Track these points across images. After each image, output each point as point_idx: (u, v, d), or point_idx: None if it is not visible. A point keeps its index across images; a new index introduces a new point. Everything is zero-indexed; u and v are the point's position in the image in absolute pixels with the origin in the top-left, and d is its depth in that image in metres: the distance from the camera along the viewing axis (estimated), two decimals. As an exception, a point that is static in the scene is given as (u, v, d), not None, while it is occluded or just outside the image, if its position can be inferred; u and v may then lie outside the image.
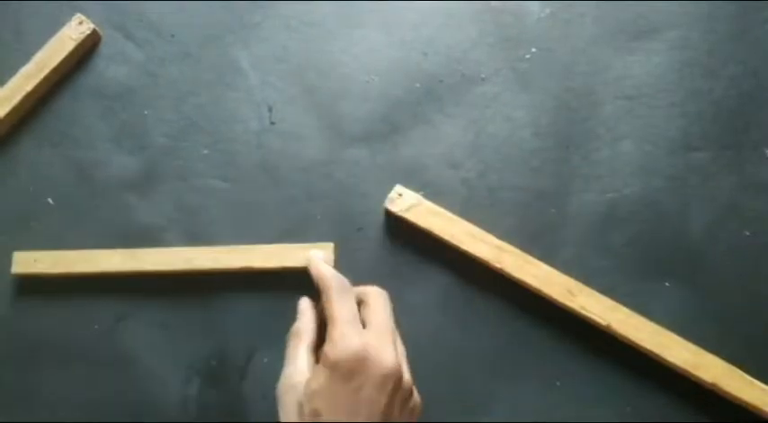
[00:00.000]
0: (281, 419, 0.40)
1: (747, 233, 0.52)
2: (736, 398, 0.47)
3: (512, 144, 0.54)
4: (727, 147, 0.54)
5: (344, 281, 0.43)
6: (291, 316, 0.50)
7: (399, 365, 0.39)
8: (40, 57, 0.54)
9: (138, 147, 0.54)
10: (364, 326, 0.41)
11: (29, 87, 0.53)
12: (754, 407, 0.47)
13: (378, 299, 0.43)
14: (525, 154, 0.54)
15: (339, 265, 0.51)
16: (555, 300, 0.49)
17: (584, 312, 0.48)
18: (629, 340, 0.48)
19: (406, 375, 0.40)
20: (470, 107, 0.54)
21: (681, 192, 0.53)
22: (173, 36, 0.56)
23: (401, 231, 0.51)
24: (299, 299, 0.45)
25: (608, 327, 0.48)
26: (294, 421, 0.39)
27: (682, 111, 0.54)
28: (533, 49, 0.56)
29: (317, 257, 0.47)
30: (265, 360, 0.50)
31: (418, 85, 0.55)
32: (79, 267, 0.50)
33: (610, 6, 0.56)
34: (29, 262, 0.50)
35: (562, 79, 0.55)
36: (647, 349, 0.48)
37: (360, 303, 0.43)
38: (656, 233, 0.52)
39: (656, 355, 0.48)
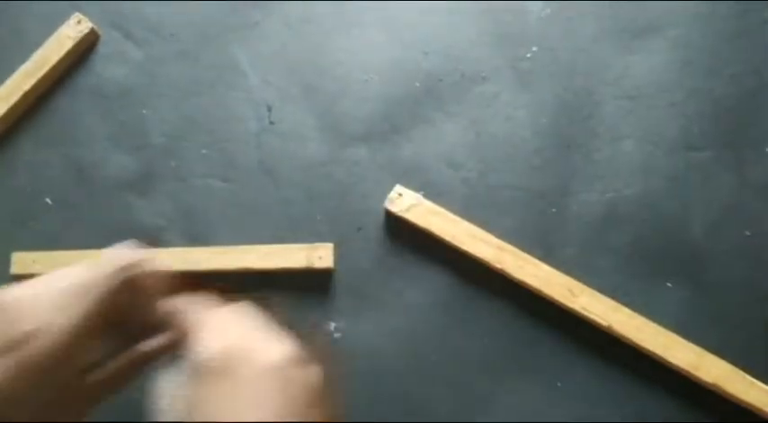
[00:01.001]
0: None
1: (748, 233, 0.52)
2: (737, 398, 0.47)
3: (512, 144, 0.54)
4: (727, 146, 0.54)
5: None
6: (293, 317, 0.50)
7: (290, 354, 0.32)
8: (38, 56, 0.54)
9: (136, 146, 0.53)
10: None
11: (27, 86, 0.53)
12: (755, 407, 0.47)
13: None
14: (526, 153, 0.53)
15: (339, 265, 0.51)
16: (556, 300, 0.49)
17: (585, 313, 0.48)
18: (631, 341, 0.48)
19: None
20: (471, 106, 0.54)
21: (681, 192, 0.53)
22: (172, 35, 0.56)
23: (401, 231, 0.51)
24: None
25: (609, 327, 0.48)
26: None
27: (682, 110, 0.54)
28: (534, 49, 0.55)
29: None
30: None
31: (418, 84, 0.55)
32: None
33: (610, 6, 0.56)
34: (27, 263, 0.50)
35: (563, 79, 0.55)
36: (648, 350, 0.48)
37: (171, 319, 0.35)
38: (656, 233, 0.52)
39: (658, 356, 0.48)
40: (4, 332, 0.31)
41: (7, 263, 0.51)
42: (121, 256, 0.34)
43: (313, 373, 0.33)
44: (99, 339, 0.34)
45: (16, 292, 0.33)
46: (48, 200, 0.53)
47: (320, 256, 0.49)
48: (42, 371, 0.31)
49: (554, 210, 0.52)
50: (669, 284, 0.51)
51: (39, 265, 0.50)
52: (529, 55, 0.55)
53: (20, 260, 0.50)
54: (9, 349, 0.31)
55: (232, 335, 0.33)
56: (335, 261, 0.49)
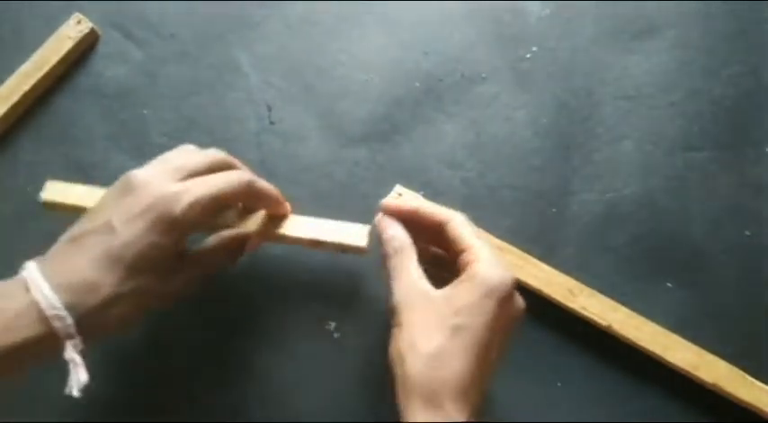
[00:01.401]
0: (413, 329, 0.39)
1: (747, 233, 0.52)
2: (736, 398, 0.47)
3: (512, 144, 0.54)
4: (727, 146, 0.54)
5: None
6: (293, 317, 0.50)
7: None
8: (38, 56, 0.54)
9: (137, 146, 0.53)
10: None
11: (27, 86, 0.53)
12: (754, 407, 0.47)
13: (467, 227, 0.42)
14: (525, 154, 0.53)
15: (339, 265, 0.51)
16: (555, 300, 0.49)
17: (584, 313, 0.48)
18: (630, 341, 0.48)
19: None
20: (470, 107, 0.54)
21: (681, 192, 0.53)
22: (172, 35, 0.56)
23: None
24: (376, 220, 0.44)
25: (608, 327, 0.48)
26: (427, 333, 0.39)
27: (681, 110, 0.54)
28: (534, 49, 0.55)
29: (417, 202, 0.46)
30: (264, 361, 0.49)
31: (418, 84, 0.55)
32: None
33: (610, 6, 0.56)
34: (60, 190, 0.48)
35: (562, 79, 0.55)
36: (647, 350, 0.48)
37: (439, 231, 0.43)
38: (656, 233, 0.52)
39: (657, 356, 0.48)
40: (139, 200, 0.39)
41: (7, 263, 0.51)
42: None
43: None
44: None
45: (141, 173, 0.40)
46: (48, 200, 0.53)
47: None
48: (168, 227, 0.38)
49: (554, 210, 0.52)
50: (669, 284, 0.51)
51: (73, 196, 0.47)
52: (528, 55, 0.55)
53: (52, 187, 0.48)
54: (147, 209, 0.38)
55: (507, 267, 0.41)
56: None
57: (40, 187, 0.53)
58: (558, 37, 0.56)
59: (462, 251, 0.41)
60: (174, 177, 0.40)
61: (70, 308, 0.36)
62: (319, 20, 0.56)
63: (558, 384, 0.49)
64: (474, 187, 0.53)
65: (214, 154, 0.43)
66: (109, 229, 0.38)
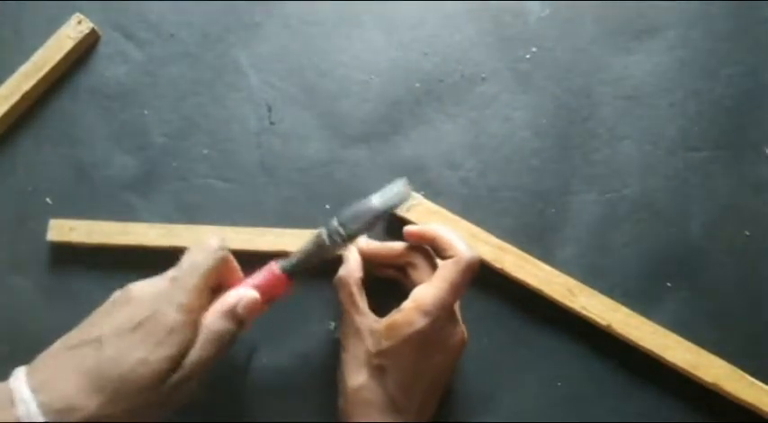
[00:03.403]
0: (347, 364, 0.44)
1: (747, 233, 0.52)
2: (736, 398, 0.47)
3: (512, 144, 0.54)
4: (726, 146, 0.54)
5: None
6: (294, 317, 0.50)
7: (465, 340, 0.45)
8: (38, 56, 0.54)
9: (137, 147, 0.54)
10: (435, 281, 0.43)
11: (27, 86, 0.53)
12: (754, 407, 0.47)
13: (467, 271, 0.43)
14: (525, 154, 0.54)
15: (339, 265, 0.51)
16: (555, 300, 0.49)
17: (584, 312, 0.48)
18: (630, 340, 0.48)
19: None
20: (470, 107, 0.54)
21: (680, 192, 0.53)
22: (172, 36, 0.56)
23: (401, 232, 0.51)
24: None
25: (608, 327, 0.48)
26: (358, 369, 0.43)
27: (681, 110, 0.54)
28: (533, 49, 0.56)
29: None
30: (264, 360, 0.49)
31: (418, 84, 0.55)
32: (114, 240, 0.50)
33: (609, 6, 0.56)
34: (64, 230, 0.50)
35: (562, 79, 0.55)
36: (647, 349, 0.48)
37: (444, 255, 0.44)
38: (655, 233, 0.52)
39: (657, 356, 0.48)
40: (132, 313, 0.38)
41: (7, 264, 0.51)
42: (209, 242, 0.42)
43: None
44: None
45: (138, 285, 0.40)
46: (48, 200, 0.53)
47: None
48: (166, 334, 0.38)
49: (553, 210, 0.52)
50: (668, 284, 0.51)
51: (75, 234, 0.50)
52: (528, 56, 0.56)
53: (57, 226, 0.50)
54: (139, 325, 0.38)
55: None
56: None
57: (40, 187, 0.53)
58: (557, 37, 0.56)
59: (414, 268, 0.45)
60: (180, 299, 0.39)
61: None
62: (319, 20, 0.56)
63: (558, 384, 0.49)
64: (474, 187, 0.53)
65: (215, 265, 0.42)
66: (97, 342, 0.37)
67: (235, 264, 0.44)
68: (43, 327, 0.50)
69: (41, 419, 0.35)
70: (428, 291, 0.42)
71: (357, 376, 0.43)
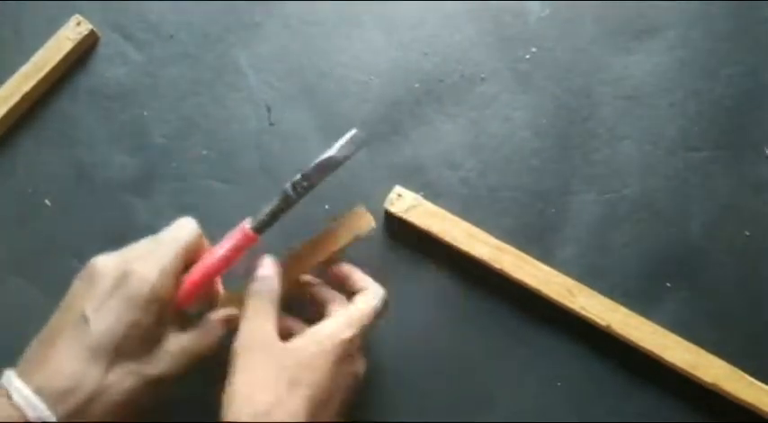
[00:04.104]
0: (237, 377, 0.39)
1: (747, 233, 0.52)
2: (736, 398, 0.47)
3: (511, 144, 0.54)
4: (726, 146, 0.54)
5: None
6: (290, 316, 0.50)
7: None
8: (38, 57, 0.54)
9: (137, 147, 0.54)
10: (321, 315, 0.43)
11: (27, 88, 0.53)
12: (754, 407, 0.47)
13: (377, 296, 0.43)
14: (525, 154, 0.54)
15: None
16: (555, 300, 0.49)
17: (583, 313, 0.48)
18: (629, 340, 0.48)
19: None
20: (470, 107, 0.54)
21: (680, 192, 0.53)
22: (171, 36, 0.56)
23: (401, 232, 0.51)
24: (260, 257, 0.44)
25: (608, 327, 0.48)
26: (261, 384, 0.38)
27: (681, 110, 0.54)
28: (533, 49, 0.55)
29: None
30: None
31: (418, 85, 0.55)
32: None
33: (609, 6, 0.56)
34: None
35: (562, 79, 0.55)
36: (646, 349, 0.48)
37: (352, 290, 0.44)
38: (655, 233, 0.52)
39: (656, 356, 0.48)
40: (105, 282, 0.38)
41: (7, 264, 0.51)
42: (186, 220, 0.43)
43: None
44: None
45: (101, 258, 0.40)
46: (47, 201, 0.53)
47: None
48: (144, 301, 0.38)
49: (553, 210, 0.52)
50: (668, 284, 0.51)
51: None
52: (528, 56, 0.56)
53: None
54: (116, 287, 0.38)
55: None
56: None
57: (39, 188, 0.53)
58: (557, 37, 0.56)
59: (326, 303, 0.44)
60: (136, 259, 0.40)
61: (54, 409, 0.35)
62: (319, 21, 0.56)
63: (558, 384, 0.49)
64: (473, 187, 0.53)
65: (180, 242, 0.42)
66: (82, 321, 0.37)
67: (206, 244, 0.45)
68: (43, 327, 0.50)
69: (42, 406, 0.35)
70: (354, 308, 0.42)
71: (267, 393, 0.37)
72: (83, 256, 0.46)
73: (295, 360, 0.39)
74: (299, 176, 0.45)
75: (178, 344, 0.41)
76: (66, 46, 0.54)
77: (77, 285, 0.40)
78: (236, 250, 0.44)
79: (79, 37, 0.54)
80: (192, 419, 0.48)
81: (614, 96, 0.55)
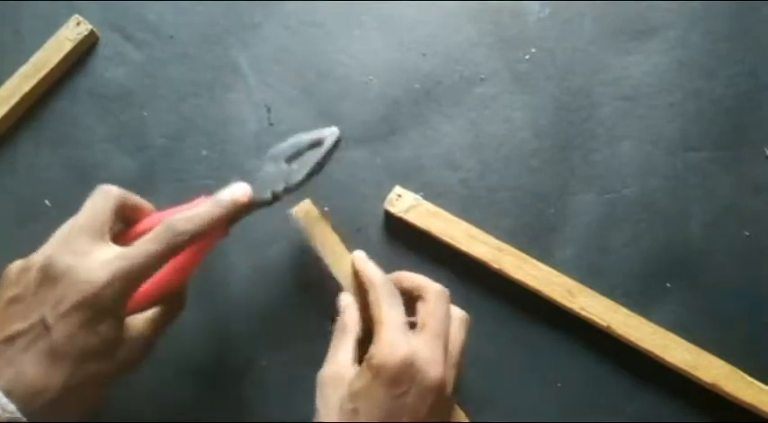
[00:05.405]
0: (319, 410, 0.41)
1: (747, 233, 0.52)
2: (736, 398, 0.47)
3: (511, 145, 0.54)
4: (726, 147, 0.54)
5: (392, 284, 0.43)
6: (293, 317, 0.50)
7: (445, 379, 0.40)
8: (37, 57, 0.54)
9: (136, 148, 0.54)
10: (415, 326, 0.41)
11: (26, 88, 0.53)
12: (753, 407, 0.47)
13: (438, 300, 0.43)
14: (524, 154, 0.54)
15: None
16: (554, 300, 0.49)
17: (583, 313, 0.48)
18: (629, 341, 0.48)
19: (449, 388, 0.41)
20: (469, 108, 0.54)
21: (680, 192, 0.53)
22: (171, 37, 0.56)
23: (400, 232, 0.51)
24: (338, 295, 0.46)
25: (608, 327, 0.48)
26: (332, 416, 0.40)
27: (681, 111, 0.54)
28: (532, 50, 0.56)
29: (363, 257, 0.47)
30: (264, 363, 0.49)
31: (417, 85, 0.55)
32: None
33: (609, 6, 0.56)
34: None
35: (561, 80, 0.55)
36: (646, 350, 0.48)
37: (415, 298, 0.43)
38: (655, 233, 0.52)
39: (656, 356, 0.48)
40: (67, 293, 0.37)
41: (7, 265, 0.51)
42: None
43: (449, 397, 0.41)
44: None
45: (51, 256, 0.38)
46: (47, 201, 0.53)
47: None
48: (104, 309, 0.37)
49: (552, 210, 0.52)
50: (668, 284, 0.51)
51: None
52: (527, 56, 0.56)
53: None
54: (80, 305, 0.36)
55: (417, 343, 0.40)
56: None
57: (39, 188, 0.53)
58: (556, 38, 0.56)
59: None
60: (89, 250, 0.39)
61: (23, 411, 0.35)
62: (318, 21, 0.56)
63: (558, 384, 0.49)
64: (473, 188, 0.53)
65: (113, 202, 0.42)
66: (44, 327, 0.36)
67: (137, 199, 0.44)
68: None
69: (13, 407, 0.34)
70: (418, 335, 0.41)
71: None
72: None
73: (352, 392, 0.39)
74: (292, 185, 0.45)
75: (138, 331, 0.40)
76: (66, 46, 0.54)
77: (30, 283, 0.38)
78: (207, 245, 0.43)
79: (79, 37, 0.54)
80: (191, 419, 0.48)
81: (614, 97, 0.55)
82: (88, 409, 0.38)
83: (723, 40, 0.56)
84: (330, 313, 0.50)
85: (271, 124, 0.54)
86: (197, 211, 0.41)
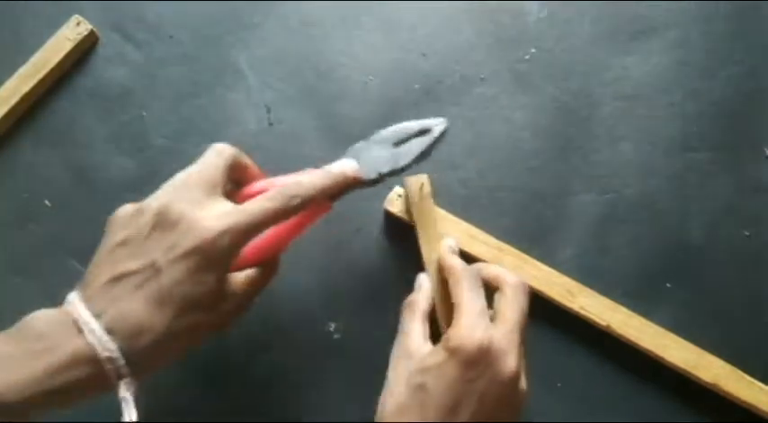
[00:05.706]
0: (390, 382, 0.42)
1: (746, 233, 0.52)
2: (735, 398, 0.47)
3: (511, 145, 0.54)
4: (725, 147, 0.54)
5: (475, 272, 0.44)
6: (293, 318, 0.50)
7: (519, 371, 0.40)
8: (37, 58, 0.54)
9: (136, 148, 0.54)
10: (493, 316, 0.42)
11: (26, 88, 0.53)
12: (753, 407, 0.47)
13: (516, 292, 0.43)
14: (524, 154, 0.54)
15: (338, 266, 0.51)
16: (555, 300, 0.49)
17: (583, 313, 0.48)
18: (629, 341, 0.48)
19: (522, 383, 0.41)
20: (469, 108, 0.54)
21: (680, 192, 0.53)
22: (171, 37, 0.56)
23: (400, 232, 0.51)
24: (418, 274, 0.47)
25: (608, 327, 0.48)
26: (400, 387, 0.40)
27: (680, 111, 0.54)
28: (532, 50, 0.56)
29: (448, 246, 0.47)
30: (263, 362, 0.49)
31: (417, 85, 0.55)
32: None
33: (608, 6, 0.56)
34: None
35: (561, 80, 0.55)
36: (646, 349, 0.48)
37: (494, 288, 0.43)
38: (655, 233, 0.52)
39: (656, 356, 0.48)
40: (180, 241, 0.37)
41: (7, 264, 0.51)
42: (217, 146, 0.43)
43: (522, 391, 0.42)
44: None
45: (175, 202, 0.39)
46: (46, 201, 0.53)
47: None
48: (215, 261, 0.37)
49: (553, 210, 0.52)
50: (668, 285, 0.51)
51: None
52: (527, 56, 0.56)
53: None
54: (192, 253, 0.37)
55: (495, 332, 0.40)
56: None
57: (39, 188, 0.53)
58: (556, 38, 0.56)
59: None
60: (204, 202, 0.39)
61: (123, 350, 0.35)
62: (318, 21, 0.56)
63: (558, 384, 0.49)
64: (473, 188, 0.53)
65: (226, 160, 0.42)
66: (155, 270, 0.37)
67: (249, 160, 0.44)
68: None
69: (113, 346, 0.35)
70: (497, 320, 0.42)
71: (396, 396, 0.40)
72: (82, 256, 0.46)
73: (423, 366, 0.40)
74: (398, 167, 0.45)
75: (238, 288, 0.40)
76: (66, 46, 0.54)
77: (144, 226, 0.38)
78: (310, 218, 0.44)
79: (79, 37, 0.54)
80: (192, 419, 0.48)
81: (613, 97, 0.55)
82: (179, 357, 0.39)
83: (723, 40, 0.56)
84: (329, 314, 0.50)
85: (271, 124, 0.54)
86: (309, 178, 0.42)
